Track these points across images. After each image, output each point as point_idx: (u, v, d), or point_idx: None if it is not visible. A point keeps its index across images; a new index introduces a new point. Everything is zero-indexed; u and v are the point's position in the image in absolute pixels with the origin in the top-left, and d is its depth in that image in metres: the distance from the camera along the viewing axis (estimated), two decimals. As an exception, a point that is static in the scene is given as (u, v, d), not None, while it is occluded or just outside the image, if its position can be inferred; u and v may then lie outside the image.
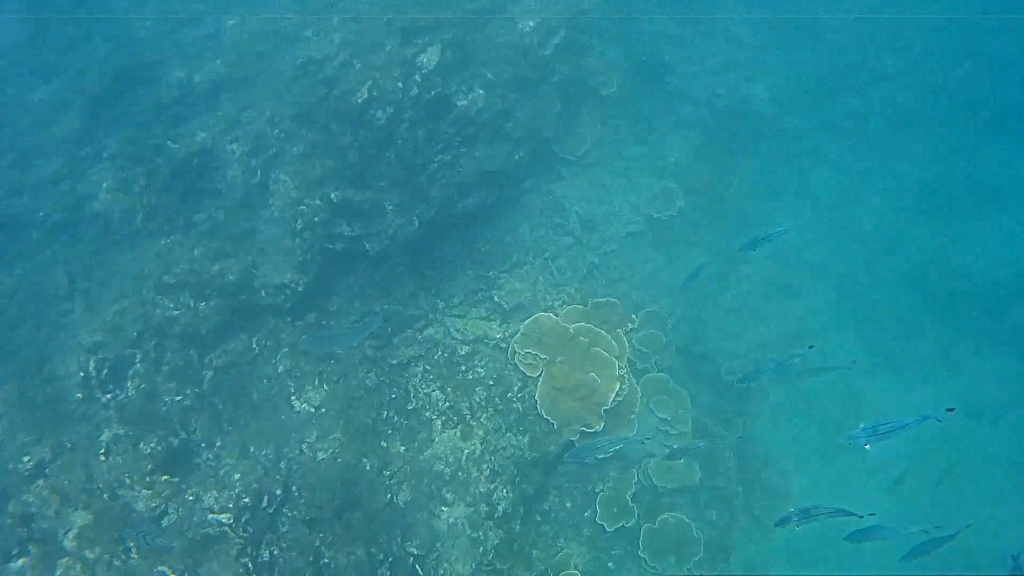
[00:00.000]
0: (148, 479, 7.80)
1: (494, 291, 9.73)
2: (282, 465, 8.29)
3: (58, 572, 7.46)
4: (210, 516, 7.55)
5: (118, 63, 10.37)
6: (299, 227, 9.25)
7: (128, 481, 7.79)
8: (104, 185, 9.54)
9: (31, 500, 7.78)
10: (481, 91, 9.84)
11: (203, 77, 10.42)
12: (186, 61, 10.59)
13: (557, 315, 9.37)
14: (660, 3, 12.87)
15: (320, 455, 8.42)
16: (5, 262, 9.29)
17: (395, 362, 9.14)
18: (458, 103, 9.74)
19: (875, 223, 12.54)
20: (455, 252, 10.02)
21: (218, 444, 8.37)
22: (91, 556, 7.51)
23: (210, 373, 8.80)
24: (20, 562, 7.57)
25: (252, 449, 8.37)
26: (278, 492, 7.94)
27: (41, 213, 9.44)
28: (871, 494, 10.01)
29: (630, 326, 9.44)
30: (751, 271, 11.64)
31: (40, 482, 7.88)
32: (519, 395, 9.07)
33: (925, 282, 11.80)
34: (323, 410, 8.76)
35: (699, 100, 12.45)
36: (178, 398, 8.52)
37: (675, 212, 11.11)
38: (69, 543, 7.58)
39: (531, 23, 10.31)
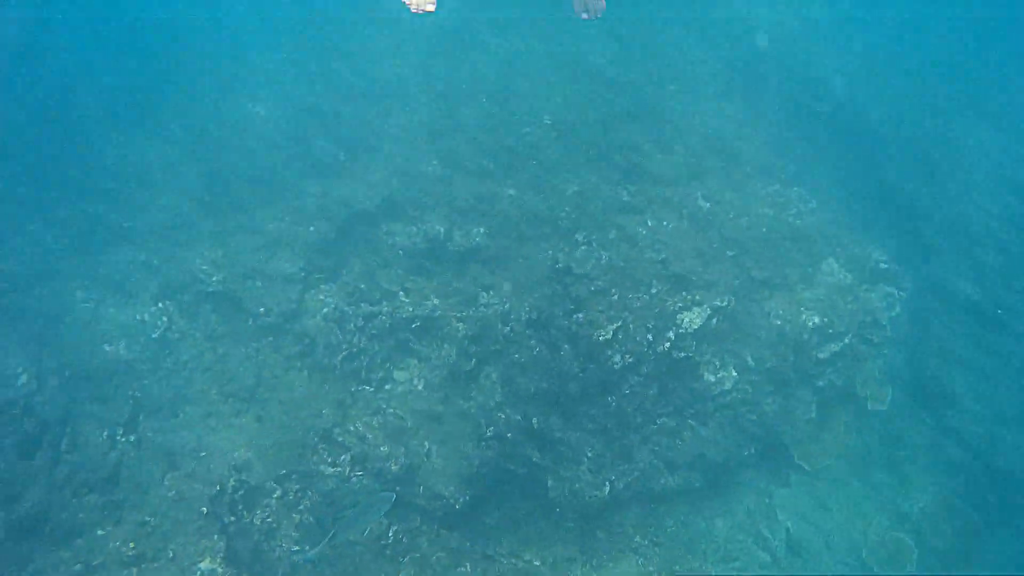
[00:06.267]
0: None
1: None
2: None
3: None
4: None
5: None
6: (489, 434, 8.67)
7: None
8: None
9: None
10: (735, 373, 8.82)
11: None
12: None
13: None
14: (965, 324, 11.14)
15: None
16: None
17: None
18: (705, 376, 8.78)
19: None
20: (635, 523, 8.93)
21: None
22: None
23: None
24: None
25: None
26: None
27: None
28: None
29: None
30: None
31: (134, 571, 7.65)
32: None
33: None
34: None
35: (975, 447, 10.47)
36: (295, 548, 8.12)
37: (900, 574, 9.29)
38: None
39: (816, 319, 9.16)
